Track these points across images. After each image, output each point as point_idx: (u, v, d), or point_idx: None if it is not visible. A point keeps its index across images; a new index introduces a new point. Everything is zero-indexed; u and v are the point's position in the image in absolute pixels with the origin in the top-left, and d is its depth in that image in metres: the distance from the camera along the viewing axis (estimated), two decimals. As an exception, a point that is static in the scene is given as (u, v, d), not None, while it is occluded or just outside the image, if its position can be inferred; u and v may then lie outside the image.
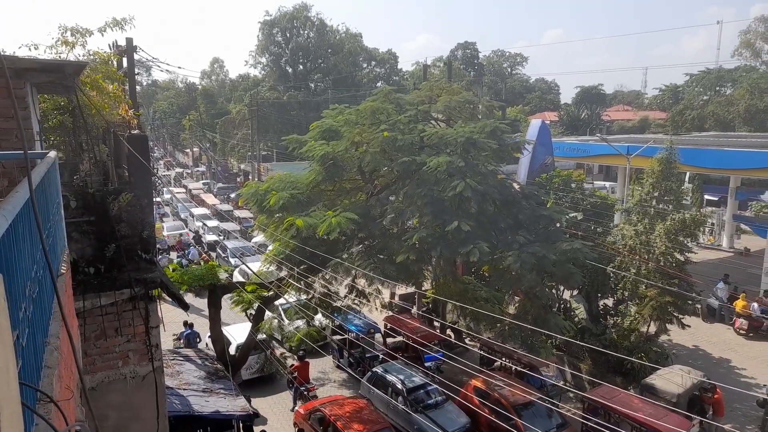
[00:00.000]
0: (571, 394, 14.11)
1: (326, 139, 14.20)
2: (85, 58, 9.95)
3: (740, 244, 29.58)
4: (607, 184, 39.62)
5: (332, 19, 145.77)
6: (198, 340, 15.99)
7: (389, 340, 16.08)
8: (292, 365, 14.18)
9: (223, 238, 30.88)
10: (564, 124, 64.91)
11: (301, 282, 12.90)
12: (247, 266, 12.75)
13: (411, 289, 17.59)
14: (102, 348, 5.13)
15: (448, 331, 17.12)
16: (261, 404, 13.62)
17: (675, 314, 15.32)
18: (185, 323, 15.89)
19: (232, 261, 23.78)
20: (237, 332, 15.35)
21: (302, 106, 61.33)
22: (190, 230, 35.76)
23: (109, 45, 16.01)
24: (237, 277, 20.81)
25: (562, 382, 15.03)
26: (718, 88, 78.57)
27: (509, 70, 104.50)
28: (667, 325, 15.45)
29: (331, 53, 65.59)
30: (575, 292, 17.45)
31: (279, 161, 49.09)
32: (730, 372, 16.10)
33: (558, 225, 14.63)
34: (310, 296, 13.19)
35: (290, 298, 13.98)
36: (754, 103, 60.83)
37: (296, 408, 13.30)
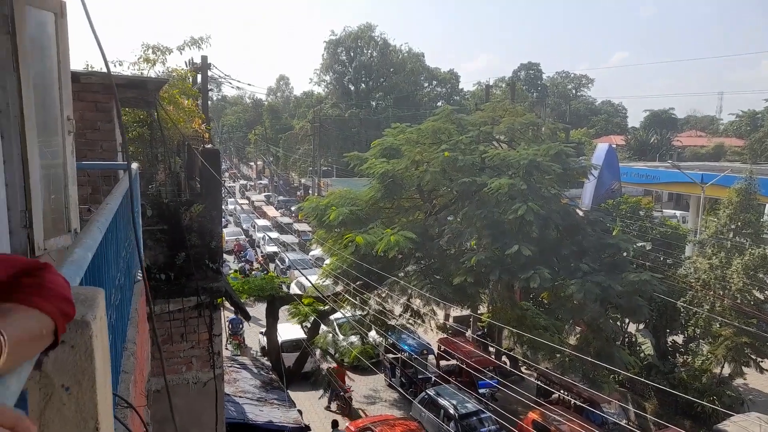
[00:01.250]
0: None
1: (387, 157, 14.30)
2: (165, 74, 10.54)
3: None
4: (678, 213, 37.64)
5: (395, 39, 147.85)
6: (241, 326, 16.25)
7: (443, 362, 15.78)
8: (331, 367, 14.27)
9: (283, 250, 31.60)
10: (631, 148, 62.54)
11: (357, 298, 12.94)
12: (307, 279, 12.92)
13: (466, 312, 17.28)
14: (168, 352, 5.30)
15: (504, 358, 16.64)
16: (297, 396, 13.94)
17: (752, 356, 14.23)
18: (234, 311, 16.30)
19: (296, 274, 24.27)
20: (283, 331, 15.64)
21: (363, 123, 62.37)
22: (246, 236, 37.42)
23: (185, 62, 16.89)
24: (294, 289, 21.17)
25: (624, 421, 14.21)
26: (804, 115, 73.44)
27: (574, 91, 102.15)
28: (743, 367, 14.36)
29: (393, 72, 66.52)
30: (641, 326, 16.58)
31: (338, 177, 49.97)
32: (815, 424, 14.70)
33: (624, 254, 14.00)
34: (365, 313, 13.21)
35: (346, 313, 14.05)
36: None
37: (328, 404, 13.67)
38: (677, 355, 15.86)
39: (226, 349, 16.72)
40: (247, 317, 6.92)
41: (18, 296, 0.67)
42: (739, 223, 15.08)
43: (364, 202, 14.29)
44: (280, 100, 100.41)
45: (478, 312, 16.86)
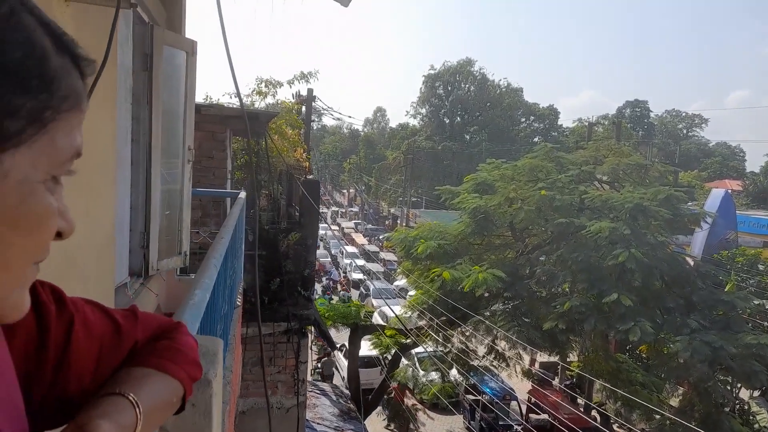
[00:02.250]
0: None
1: (480, 192, 14.12)
2: (274, 105, 11.25)
3: None
4: (804, 269, 33.60)
5: (494, 74, 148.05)
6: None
7: (532, 416, 14.92)
8: (394, 386, 14.04)
9: (368, 278, 32.00)
10: (750, 195, 57.11)
11: (440, 334, 12.71)
12: (391, 309, 12.92)
13: (554, 358, 16.38)
14: (256, 375, 5.47)
15: (593, 413, 15.50)
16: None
17: None
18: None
19: (374, 302, 24.43)
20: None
21: (455, 157, 62.44)
22: (333, 262, 39.16)
23: (292, 94, 17.94)
24: (377, 319, 21.28)
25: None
26: None
27: (684, 131, 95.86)
28: None
29: (490, 107, 66.34)
30: (757, 393, 14.80)
31: (427, 209, 50.15)
32: None
33: (740, 312, 12.67)
34: (447, 350, 12.92)
35: (427, 348, 13.83)
36: None
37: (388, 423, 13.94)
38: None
39: (311, 374, 17.09)
40: (333, 346, 7.01)
41: (152, 360, 0.69)
42: None
43: (453, 236, 14.14)
44: (376, 131, 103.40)
45: (567, 360, 15.91)
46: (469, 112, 68.50)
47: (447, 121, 69.74)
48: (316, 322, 5.76)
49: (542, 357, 17.64)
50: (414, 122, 77.20)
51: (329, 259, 39.88)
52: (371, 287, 27.92)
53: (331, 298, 26.18)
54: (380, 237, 48.88)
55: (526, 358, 18.90)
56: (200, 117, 5.77)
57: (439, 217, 23.77)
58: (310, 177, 7.59)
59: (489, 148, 58.92)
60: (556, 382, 18.48)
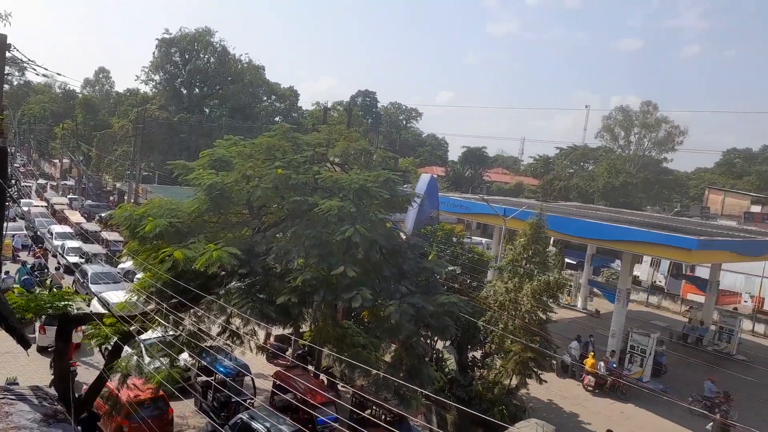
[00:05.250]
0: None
1: (216, 168, 13.65)
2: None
3: (592, 306, 32.79)
4: (484, 240, 42.24)
5: (235, 48, 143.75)
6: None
7: (277, 398, 15.18)
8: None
9: (85, 261, 28.07)
10: (450, 180, 68.80)
11: (171, 317, 11.98)
12: (98, 298, 11.57)
13: (288, 331, 17.10)
14: None
15: (322, 377, 16.78)
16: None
17: (534, 369, 16.40)
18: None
19: (94, 288, 21.59)
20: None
21: (193, 130, 58.97)
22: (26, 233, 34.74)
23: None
24: (96, 306, 18.89)
25: (429, 433, 15.28)
26: (582, 164, 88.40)
27: (404, 122, 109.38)
28: (527, 379, 16.47)
29: (231, 81, 64.33)
30: (447, 343, 18.06)
31: (161, 184, 46.33)
32: (576, 427, 17.44)
33: (438, 277, 15.18)
34: (178, 334, 12.28)
35: (155, 333, 12.91)
36: (610, 181, 69.14)
37: None
38: (476, 369, 17.61)
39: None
40: (26, 344, 5.91)
41: None
42: (531, 253, 17.43)
43: (186, 214, 13.39)
44: (98, 95, 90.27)
45: (300, 331, 16.80)
46: (208, 85, 65.26)
47: (184, 92, 65.19)
48: (1, 317, 4.77)
49: (277, 330, 18.24)
50: (146, 89, 69.99)
51: (30, 241, 33.95)
52: (89, 272, 24.61)
53: (34, 285, 22.16)
54: (102, 215, 43.33)
55: (261, 334, 19.28)
56: None
57: (174, 194, 22.23)
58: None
59: (229, 123, 57.32)
60: (289, 353, 19.35)
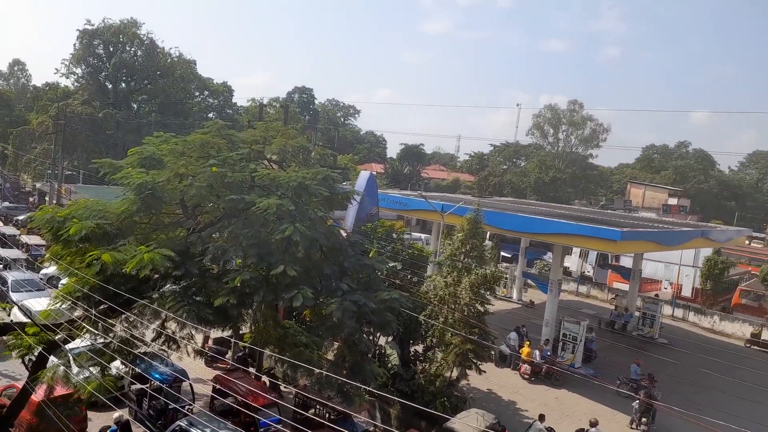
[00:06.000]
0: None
1: (146, 167, 13.07)
2: None
3: (527, 297, 34.07)
4: (423, 236, 42.90)
5: (164, 41, 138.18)
6: None
7: (217, 402, 14.69)
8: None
9: (4, 268, 26.15)
10: (389, 176, 69.34)
11: (99, 325, 11.37)
12: (19, 307, 10.82)
13: (227, 333, 16.67)
14: None
15: (264, 378, 16.49)
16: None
17: (474, 361, 16.85)
18: None
19: (13, 296, 20.17)
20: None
21: (121, 126, 56.17)
22: None
23: None
24: (17, 315, 17.65)
25: (372, 429, 15.38)
26: (515, 160, 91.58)
27: (342, 119, 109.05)
28: (467, 370, 16.89)
29: (160, 75, 61.69)
30: (390, 339, 18.23)
31: (86, 184, 43.87)
32: (515, 414, 18.10)
33: (379, 274, 15.28)
34: (108, 341, 11.67)
35: (84, 342, 12.22)
36: (541, 176, 72.00)
37: None
38: (417, 363, 17.88)
39: None
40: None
41: None
42: (469, 247, 17.86)
43: (115, 215, 12.75)
44: (14, 89, 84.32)
45: (240, 333, 16.43)
46: (136, 79, 62.29)
47: (110, 86, 61.94)
48: None
49: (216, 333, 17.74)
50: (67, 83, 65.87)
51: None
52: (9, 279, 22.96)
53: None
54: (20, 218, 40.52)
55: (199, 337, 18.69)
56: None
57: (101, 194, 21.13)
58: None
59: (160, 119, 55.05)
60: (229, 355, 18.89)
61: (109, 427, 12.76)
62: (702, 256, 36.46)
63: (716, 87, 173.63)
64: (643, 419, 17.73)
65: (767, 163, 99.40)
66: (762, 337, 29.34)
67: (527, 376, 21.28)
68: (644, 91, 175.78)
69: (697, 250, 36.57)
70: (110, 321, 11.16)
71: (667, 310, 32.94)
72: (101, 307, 10.96)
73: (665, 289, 38.91)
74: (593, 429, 15.35)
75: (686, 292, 37.07)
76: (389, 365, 17.37)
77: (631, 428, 17.97)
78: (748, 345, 29.34)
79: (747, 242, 54.74)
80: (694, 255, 37.61)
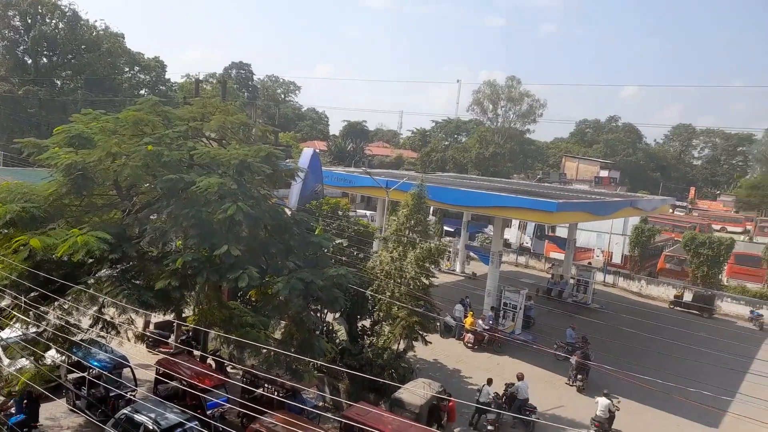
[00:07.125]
0: (331, 415, 14.68)
1: (75, 146, 12.39)
2: None
3: (470, 269, 35.08)
4: (368, 212, 43.08)
5: (88, 13, 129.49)
6: None
7: (161, 387, 14.31)
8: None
9: None
10: (332, 154, 68.78)
11: (30, 313, 10.82)
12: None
13: (170, 316, 16.25)
14: None
15: (209, 360, 16.27)
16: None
17: (420, 332, 17.28)
18: None
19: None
20: None
21: (44, 104, 52.64)
22: None
23: None
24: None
25: (322, 404, 15.56)
26: (456, 136, 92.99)
27: (283, 96, 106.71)
28: (414, 342, 17.31)
29: (86, 50, 57.92)
30: (337, 315, 18.36)
31: (6, 166, 40.97)
32: (460, 381, 18.78)
33: (325, 251, 15.28)
34: (41, 329, 11.15)
35: (13, 332, 11.61)
36: (481, 151, 73.59)
37: None
38: (365, 337, 18.14)
39: None
40: None
41: None
42: (413, 222, 18.12)
43: (42, 198, 12.07)
44: None
45: (183, 316, 16.08)
46: (58, 54, 58.19)
47: (29, 61, 57.55)
48: None
49: (157, 317, 17.27)
50: (-21, 57, 60.60)
51: None
52: None
53: None
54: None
55: (140, 322, 18.15)
56: None
57: (26, 177, 19.92)
58: None
59: (87, 97, 51.91)
60: (172, 339, 18.48)
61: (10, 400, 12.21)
62: (630, 225, 38.62)
63: (644, 61, 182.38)
64: (579, 376, 18.86)
65: (689, 135, 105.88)
66: (684, 299, 31.64)
67: (471, 345, 22.06)
68: (577, 66, 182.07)
69: (626, 219, 38.69)
70: (43, 308, 10.64)
71: (599, 276, 34.85)
72: (32, 294, 10.42)
73: (597, 257, 41.09)
74: (520, 382, 16.26)
75: (616, 259, 39.28)
76: (337, 341, 17.53)
77: (568, 385, 19.09)
78: (671, 306, 31.59)
79: (671, 210, 58.55)
80: (623, 224, 39.79)
